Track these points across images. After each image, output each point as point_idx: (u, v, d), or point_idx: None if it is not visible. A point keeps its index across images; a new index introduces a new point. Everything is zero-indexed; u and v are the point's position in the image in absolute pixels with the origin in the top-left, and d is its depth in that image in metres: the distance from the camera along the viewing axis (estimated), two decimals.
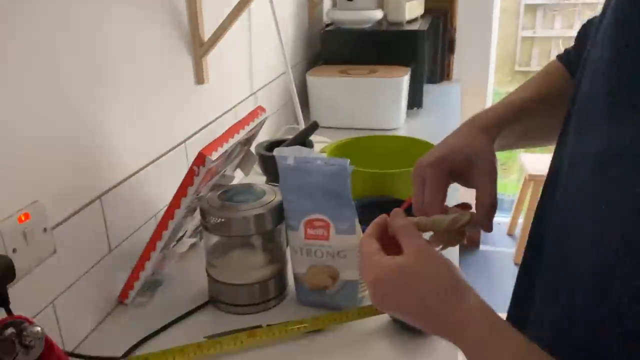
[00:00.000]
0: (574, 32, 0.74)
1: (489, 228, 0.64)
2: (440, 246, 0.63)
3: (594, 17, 0.62)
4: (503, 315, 0.52)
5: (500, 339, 0.46)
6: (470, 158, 0.66)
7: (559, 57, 0.76)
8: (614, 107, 0.45)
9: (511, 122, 0.70)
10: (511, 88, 0.80)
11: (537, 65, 5.47)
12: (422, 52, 1.80)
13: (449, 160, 0.67)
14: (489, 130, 0.69)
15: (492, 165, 0.66)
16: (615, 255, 0.41)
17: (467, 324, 0.48)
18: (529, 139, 0.78)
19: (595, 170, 0.45)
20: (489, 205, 0.64)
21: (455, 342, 0.49)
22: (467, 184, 0.68)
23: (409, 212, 0.62)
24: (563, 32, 5.20)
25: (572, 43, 0.74)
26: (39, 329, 0.56)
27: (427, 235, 0.60)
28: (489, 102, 2.65)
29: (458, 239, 0.64)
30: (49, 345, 0.57)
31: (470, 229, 0.63)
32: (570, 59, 0.73)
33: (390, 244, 0.56)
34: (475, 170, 0.66)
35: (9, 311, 0.64)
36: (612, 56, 0.46)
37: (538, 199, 0.62)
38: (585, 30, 0.70)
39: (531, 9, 5.41)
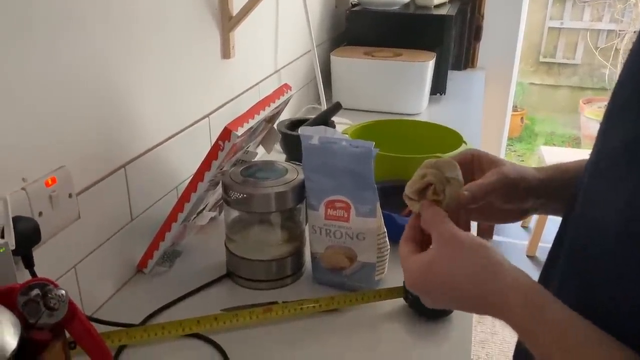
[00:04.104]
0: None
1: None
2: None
3: None
4: None
5: (540, 321, 0.45)
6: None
7: None
8: None
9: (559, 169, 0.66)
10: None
11: (562, 57, 5.33)
12: (448, 37, 1.78)
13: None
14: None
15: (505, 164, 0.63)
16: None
17: (507, 306, 0.47)
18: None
19: (620, 159, 0.44)
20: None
21: (505, 322, 0.48)
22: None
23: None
24: (591, 25, 5.03)
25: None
26: (63, 292, 0.57)
27: None
28: (512, 92, 2.61)
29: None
30: (72, 308, 0.58)
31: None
32: None
33: (429, 241, 0.56)
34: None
35: (33, 273, 0.66)
36: None
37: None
38: None
39: None
